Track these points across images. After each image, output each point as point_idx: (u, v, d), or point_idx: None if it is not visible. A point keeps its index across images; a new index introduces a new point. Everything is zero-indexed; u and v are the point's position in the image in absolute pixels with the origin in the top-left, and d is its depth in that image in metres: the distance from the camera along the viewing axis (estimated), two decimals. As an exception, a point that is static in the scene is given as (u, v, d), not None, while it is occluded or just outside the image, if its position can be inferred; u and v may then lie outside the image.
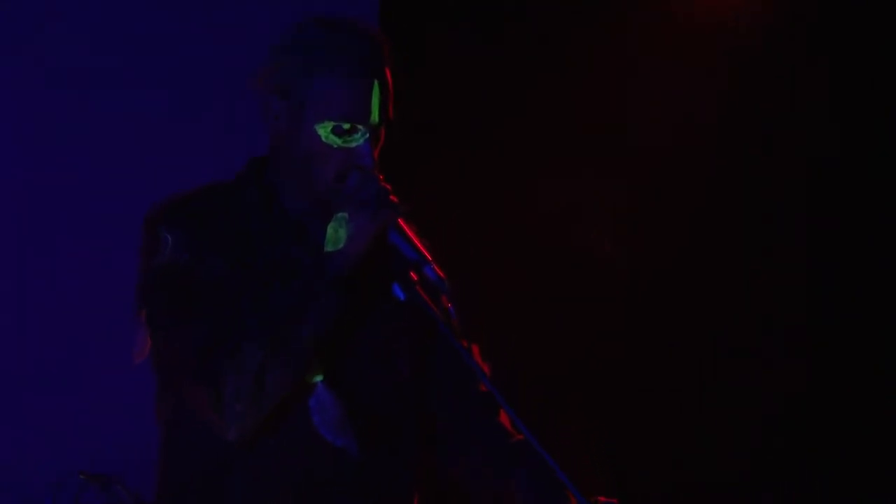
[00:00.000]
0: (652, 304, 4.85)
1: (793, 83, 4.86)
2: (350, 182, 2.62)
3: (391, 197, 2.60)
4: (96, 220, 4.22)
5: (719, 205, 4.90)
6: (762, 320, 4.89)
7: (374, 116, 2.67)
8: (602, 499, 2.63)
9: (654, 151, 4.83)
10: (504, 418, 2.83)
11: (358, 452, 2.65)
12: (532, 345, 4.73)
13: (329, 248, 2.58)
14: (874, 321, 4.83)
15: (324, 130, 2.66)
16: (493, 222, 4.81)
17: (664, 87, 4.82)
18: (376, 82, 2.67)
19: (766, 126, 4.89)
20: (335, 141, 2.65)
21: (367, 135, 2.67)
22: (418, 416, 2.80)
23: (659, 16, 4.85)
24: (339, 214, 2.59)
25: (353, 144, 2.66)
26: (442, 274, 2.55)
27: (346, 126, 2.65)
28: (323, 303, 2.56)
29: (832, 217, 4.87)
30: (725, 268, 4.92)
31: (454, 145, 4.75)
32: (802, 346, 4.86)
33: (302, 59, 2.68)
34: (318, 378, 2.63)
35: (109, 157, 4.29)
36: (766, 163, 4.90)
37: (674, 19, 4.85)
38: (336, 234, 2.58)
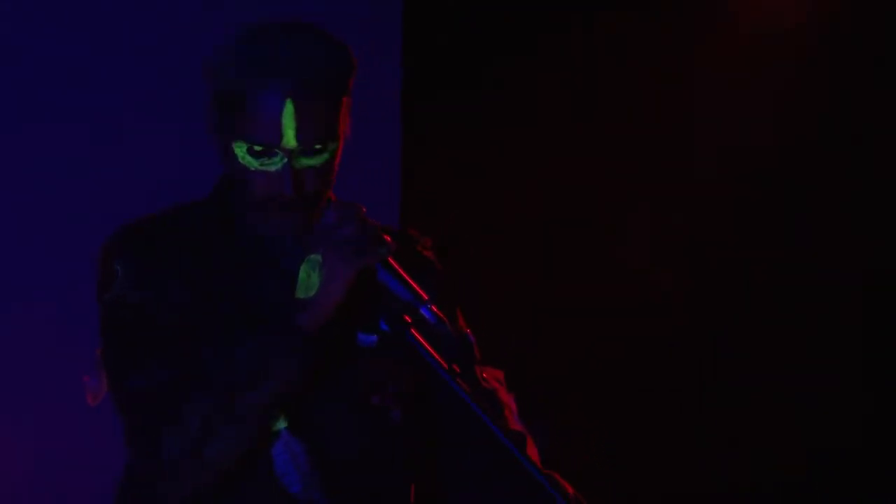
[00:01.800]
0: (657, 305, 4.85)
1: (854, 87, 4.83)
2: (326, 218, 2.36)
3: (376, 235, 2.34)
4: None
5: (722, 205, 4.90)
6: (762, 321, 4.89)
7: (289, 140, 2.39)
8: None
9: (664, 152, 4.83)
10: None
11: None
12: (534, 345, 4.73)
13: (300, 294, 2.34)
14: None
15: (240, 150, 2.42)
16: (496, 221, 4.81)
17: (707, 92, 4.81)
18: (291, 101, 2.38)
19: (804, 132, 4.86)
20: (251, 163, 2.42)
21: (286, 159, 2.40)
22: (412, 465, 2.54)
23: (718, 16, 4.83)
24: (313, 256, 2.34)
25: (272, 168, 2.41)
26: (441, 314, 2.32)
27: (259, 148, 2.41)
28: (284, 363, 2.32)
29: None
30: (732, 267, 4.91)
31: (464, 143, 4.73)
32: (802, 346, 4.87)
33: (228, 66, 2.44)
34: (282, 425, 2.39)
35: (113, 160, 4.21)
36: (799, 165, 4.88)
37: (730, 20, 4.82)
38: (308, 279, 2.33)
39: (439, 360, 2.32)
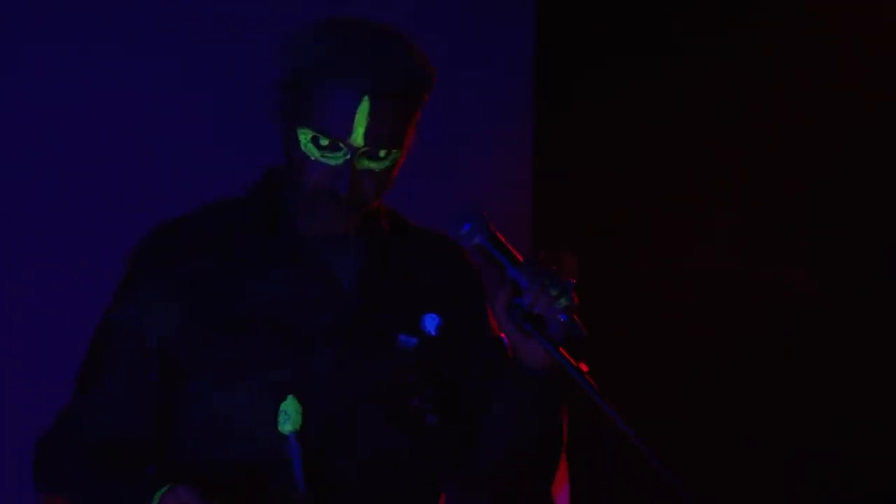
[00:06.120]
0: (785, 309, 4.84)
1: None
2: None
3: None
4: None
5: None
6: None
7: (357, 137, 2.34)
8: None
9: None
10: None
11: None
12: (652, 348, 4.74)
13: None
14: None
15: (304, 136, 2.37)
16: (625, 225, 4.82)
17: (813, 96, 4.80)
18: (368, 99, 2.33)
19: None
20: (312, 152, 2.37)
21: (349, 156, 2.36)
22: (444, 469, 2.51)
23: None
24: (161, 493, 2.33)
25: (332, 163, 2.37)
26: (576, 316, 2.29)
27: (325, 141, 2.36)
28: None
29: None
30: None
31: (595, 149, 4.76)
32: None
33: (302, 56, 2.38)
34: (289, 429, 2.34)
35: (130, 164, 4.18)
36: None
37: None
38: None
39: (569, 358, 2.30)
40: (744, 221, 4.84)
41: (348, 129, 2.35)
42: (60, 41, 4.12)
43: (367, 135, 2.36)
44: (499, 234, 2.38)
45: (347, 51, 2.37)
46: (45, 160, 4.07)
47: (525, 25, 4.64)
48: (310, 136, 2.37)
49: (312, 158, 2.38)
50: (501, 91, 4.52)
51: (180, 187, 4.17)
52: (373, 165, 2.39)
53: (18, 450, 3.98)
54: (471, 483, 2.55)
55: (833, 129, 4.78)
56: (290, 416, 2.34)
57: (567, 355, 2.30)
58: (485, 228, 2.38)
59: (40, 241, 4.06)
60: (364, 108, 2.34)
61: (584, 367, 2.30)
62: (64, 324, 4.06)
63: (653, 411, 4.35)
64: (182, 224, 2.49)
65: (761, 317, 4.77)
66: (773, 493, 4.80)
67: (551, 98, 4.68)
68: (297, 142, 2.39)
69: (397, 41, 2.40)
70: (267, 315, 2.41)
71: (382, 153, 2.39)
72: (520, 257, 2.36)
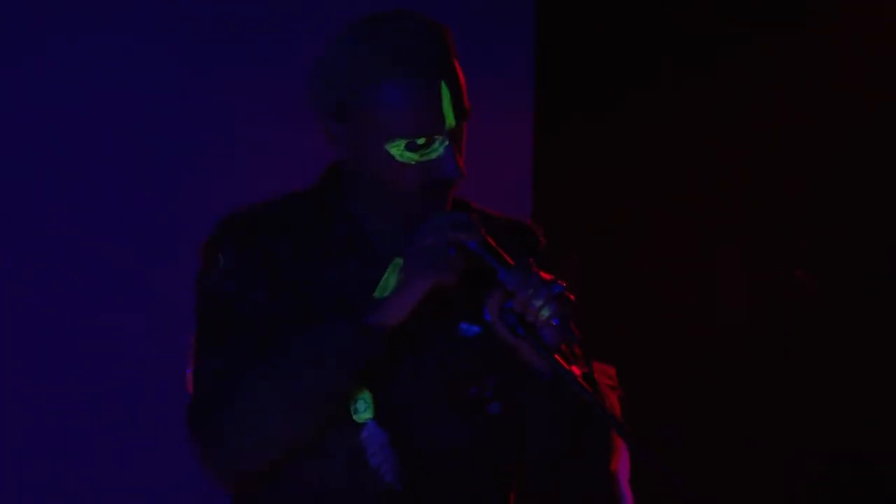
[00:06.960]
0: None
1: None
2: (423, 227, 2.30)
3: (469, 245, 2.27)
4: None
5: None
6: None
7: (450, 121, 2.33)
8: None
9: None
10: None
11: (406, 492, 2.34)
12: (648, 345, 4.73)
13: (377, 293, 2.32)
14: None
15: (397, 149, 2.34)
16: (626, 218, 4.82)
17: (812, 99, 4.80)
18: (443, 82, 2.33)
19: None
20: (412, 158, 2.34)
21: (446, 142, 2.35)
22: (509, 458, 2.42)
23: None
24: (396, 260, 2.31)
25: (434, 156, 2.35)
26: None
27: (421, 141, 2.33)
28: (336, 359, 2.28)
29: None
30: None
31: (596, 141, 4.76)
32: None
33: (354, 70, 2.35)
34: (368, 416, 2.34)
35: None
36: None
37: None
38: (387, 280, 2.32)
39: (561, 362, 2.25)
40: (744, 221, 4.84)
41: (441, 119, 2.34)
42: (60, 41, 4.12)
43: (455, 114, 2.36)
44: (489, 239, 2.35)
45: (399, 46, 2.35)
46: (45, 160, 4.07)
47: (525, 25, 4.62)
48: (403, 145, 2.35)
49: (414, 163, 2.36)
50: (501, 91, 4.52)
51: (180, 187, 4.17)
52: (457, 135, 2.39)
53: (18, 449, 4.09)
54: (531, 472, 2.48)
55: (833, 129, 4.77)
56: (367, 403, 2.34)
57: (560, 360, 2.26)
58: (476, 233, 2.35)
59: (40, 241, 4.05)
60: (446, 93, 2.35)
61: (576, 371, 2.27)
62: (64, 324, 4.10)
63: (653, 411, 4.37)
64: (255, 212, 2.47)
65: (761, 317, 4.77)
66: (774, 493, 4.80)
67: (551, 98, 4.68)
68: (391, 157, 2.35)
69: (420, 18, 2.38)
70: (332, 304, 2.37)
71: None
72: (510, 261, 2.32)
